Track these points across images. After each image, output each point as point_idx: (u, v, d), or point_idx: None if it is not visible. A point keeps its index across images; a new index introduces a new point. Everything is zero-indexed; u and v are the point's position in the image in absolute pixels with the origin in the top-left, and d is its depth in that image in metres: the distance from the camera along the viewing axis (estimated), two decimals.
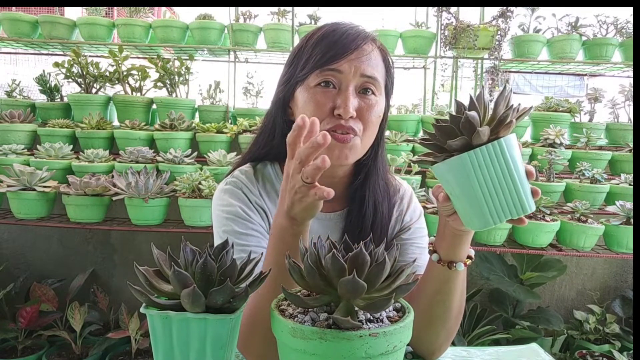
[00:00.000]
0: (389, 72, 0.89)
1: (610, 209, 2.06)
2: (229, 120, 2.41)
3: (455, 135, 0.60)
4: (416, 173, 2.16)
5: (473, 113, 0.59)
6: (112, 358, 2.11)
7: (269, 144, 0.94)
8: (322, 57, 0.82)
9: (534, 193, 0.61)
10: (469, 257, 0.77)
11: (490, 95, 2.51)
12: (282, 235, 0.69)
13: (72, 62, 2.31)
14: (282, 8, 2.48)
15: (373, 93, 0.84)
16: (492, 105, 0.61)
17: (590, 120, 2.49)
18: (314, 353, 0.48)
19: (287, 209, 0.67)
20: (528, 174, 0.61)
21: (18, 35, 2.43)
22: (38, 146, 2.17)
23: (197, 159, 2.23)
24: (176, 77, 2.36)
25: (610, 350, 2.15)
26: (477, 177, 0.59)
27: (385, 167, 0.98)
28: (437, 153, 0.63)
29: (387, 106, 0.91)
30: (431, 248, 0.79)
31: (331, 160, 0.82)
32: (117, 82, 2.40)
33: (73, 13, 3.41)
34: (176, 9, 3.46)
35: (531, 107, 0.62)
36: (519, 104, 0.61)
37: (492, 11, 2.44)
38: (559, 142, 2.25)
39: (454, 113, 0.61)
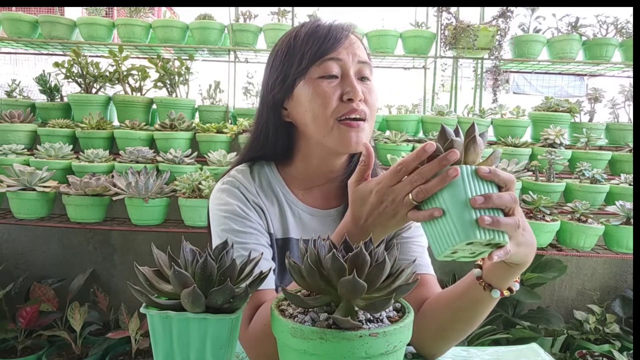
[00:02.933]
0: (369, 60, 0.92)
1: (610, 209, 2.06)
2: (229, 120, 2.41)
3: None
4: None
5: (457, 139, 0.61)
6: (112, 358, 2.11)
7: (264, 147, 0.94)
8: (319, 48, 0.83)
9: (479, 222, 0.57)
10: (509, 289, 0.73)
11: (495, 95, 2.52)
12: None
13: (72, 62, 2.31)
14: (282, 8, 2.48)
15: (368, 78, 0.87)
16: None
17: (590, 120, 2.49)
18: (314, 353, 0.48)
19: (368, 231, 0.67)
20: (471, 203, 0.57)
21: (18, 35, 2.43)
22: (38, 146, 2.17)
23: (197, 159, 2.23)
24: (176, 77, 2.36)
25: (610, 350, 2.15)
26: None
27: (375, 160, 0.98)
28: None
29: None
30: (480, 263, 0.75)
31: (349, 147, 0.84)
32: (117, 82, 2.40)
33: (73, 13, 3.41)
34: (176, 9, 3.47)
35: (452, 140, 0.60)
36: (453, 139, 0.60)
37: (492, 11, 2.44)
38: (559, 142, 2.25)
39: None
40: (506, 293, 0.73)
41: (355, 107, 0.82)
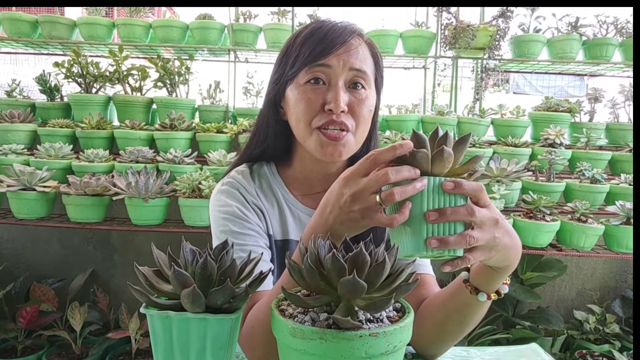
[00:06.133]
0: (378, 66, 0.89)
1: (610, 209, 2.06)
2: (229, 120, 2.41)
3: None
4: None
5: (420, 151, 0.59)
6: (112, 358, 2.11)
7: (263, 144, 0.94)
8: (310, 53, 0.82)
9: (426, 243, 0.56)
10: (497, 293, 0.72)
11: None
12: None
13: (72, 62, 2.31)
14: (282, 8, 2.48)
15: (363, 87, 0.84)
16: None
17: (590, 120, 2.49)
18: (314, 353, 0.48)
19: (331, 223, 0.63)
20: (425, 217, 0.56)
21: (18, 35, 2.43)
22: (38, 146, 2.17)
23: (197, 159, 2.23)
24: (176, 77, 2.36)
25: (610, 350, 2.15)
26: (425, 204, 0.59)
27: None
28: None
29: (378, 101, 0.91)
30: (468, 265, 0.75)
31: (324, 157, 0.83)
32: (117, 82, 2.40)
33: (73, 13, 3.41)
34: (176, 9, 3.46)
35: (416, 152, 0.57)
36: (417, 151, 0.57)
37: (492, 11, 2.44)
38: (559, 142, 2.25)
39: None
40: (494, 296, 0.71)
41: (335, 119, 0.80)
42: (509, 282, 0.73)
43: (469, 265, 0.72)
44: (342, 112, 0.81)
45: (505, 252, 0.62)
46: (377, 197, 0.58)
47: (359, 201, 0.60)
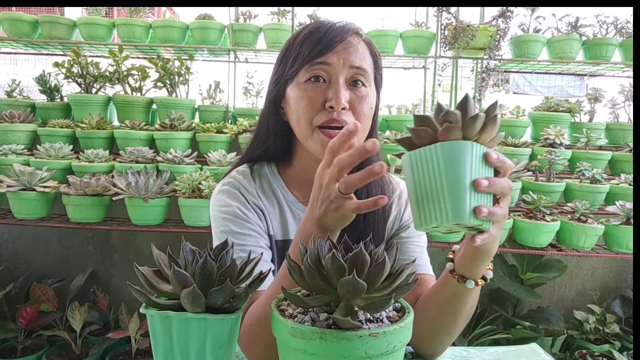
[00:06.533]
0: (377, 65, 0.89)
1: (610, 209, 2.06)
2: (229, 120, 2.41)
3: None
4: None
5: (427, 115, 0.58)
6: (112, 358, 2.11)
7: (264, 145, 0.94)
8: (310, 52, 0.82)
9: (477, 211, 0.54)
10: (483, 278, 0.73)
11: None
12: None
13: (72, 62, 2.31)
14: (282, 8, 2.48)
15: (363, 85, 0.84)
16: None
17: (590, 120, 2.49)
18: (314, 353, 0.48)
19: (318, 216, 0.65)
20: (475, 185, 0.55)
21: (18, 35, 2.43)
22: (38, 146, 2.17)
23: (197, 159, 2.23)
24: (176, 77, 2.36)
25: (610, 350, 2.15)
26: (414, 177, 0.58)
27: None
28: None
29: (378, 99, 0.91)
30: (451, 256, 0.76)
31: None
32: (117, 82, 2.40)
33: (73, 13, 3.41)
34: (176, 9, 3.46)
35: (483, 115, 0.56)
36: (477, 113, 0.55)
37: (492, 11, 2.43)
38: (559, 142, 2.25)
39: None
40: (480, 282, 0.73)
41: (336, 117, 0.81)
42: (492, 267, 0.75)
43: (452, 256, 0.75)
44: (343, 109, 0.81)
45: (500, 232, 0.65)
46: (336, 186, 0.60)
47: (329, 192, 0.62)
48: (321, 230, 0.66)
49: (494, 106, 0.57)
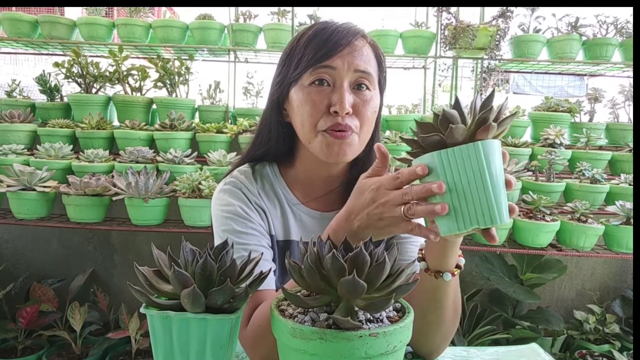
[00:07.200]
0: (381, 68, 0.89)
1: (610, 209, 2.06)
2: (229, 120, 2.41)
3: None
4: None
5: (452, 111, 0.57)
6: (112, 358, 2.11)
7: (266, 145, 0.94)
8: (314, 55, 0.81)
9: (510, 210, 0.57)
10: (457, 267, 0.75)
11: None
12: None
13: (72, 62, 2.31)
14: (282, 8, 2.48)
15: (367, 88, 0.84)
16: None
17: (590, 120, 2.49)
18: (314, 353, 0.48)
19: (356, 228, 0.68)
20: (507, 184, 0.57)
21: (18, 35, 2.43)
22: (38, 146, 2.17)
23: (197, 159, 2.23)
24: (176, 77, 2.36)
25: (610, 350, 2.15)
26: (447, 179, 0.55)
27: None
28: (417, 150, 0.60)
29: (381, 102, 0.91)
30: (420, 255, 0.76)
31: (329, 157, 0.83)
32: (117, 82, 2.40)
33: (73, 13, 3.41)
34: (176, 9, 3.46)
35: (515, 113, 0.60)
36: (504, 108, 0.58)
37: (492, 11, 2.43)
38: (559, 142, 2.25)
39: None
40: (456, 272, 0.75)
41: (340, 121, 0.80)
42: (461, 254, 0.76)
43: (421, 255, 0.76)
44: (347, 114, 0.81)
45: None
46: (401, 210, 0.62)
47: (385, 210, 0.65)
48: (353, 240, 0.67)
49: (504, 105, 0.59)
